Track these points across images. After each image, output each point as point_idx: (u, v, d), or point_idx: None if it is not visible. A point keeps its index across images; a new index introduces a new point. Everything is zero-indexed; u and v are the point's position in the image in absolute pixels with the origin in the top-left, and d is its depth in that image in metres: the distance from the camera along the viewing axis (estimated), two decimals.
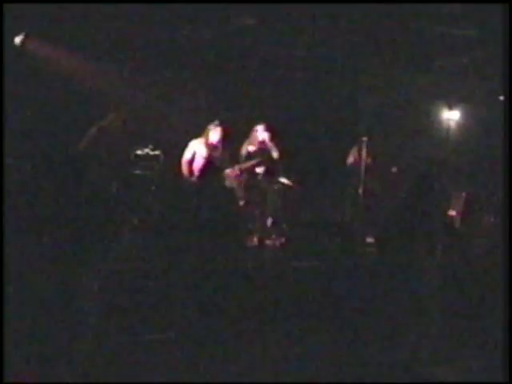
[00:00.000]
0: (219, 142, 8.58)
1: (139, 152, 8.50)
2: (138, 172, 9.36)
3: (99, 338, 5.13)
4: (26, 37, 8.34)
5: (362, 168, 8.89)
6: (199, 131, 8.75)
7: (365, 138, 8.79)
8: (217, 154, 8.60)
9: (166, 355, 5.57)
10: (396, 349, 5.93)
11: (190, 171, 8.59)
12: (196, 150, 8.59)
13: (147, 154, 7.99)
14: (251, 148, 8.84)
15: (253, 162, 8.69)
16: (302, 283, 7.05)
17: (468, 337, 6.64)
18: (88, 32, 8.92)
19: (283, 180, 8.70)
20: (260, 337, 6.39)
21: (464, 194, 9.94)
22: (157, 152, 8.37)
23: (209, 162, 8.60)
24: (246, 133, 9.04)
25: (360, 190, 8.92)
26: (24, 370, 4.78)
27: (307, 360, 5.74)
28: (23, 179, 7.53)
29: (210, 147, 8.57)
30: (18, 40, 8.36)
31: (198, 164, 8.61)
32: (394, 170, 9.31)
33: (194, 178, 8.58)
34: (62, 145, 8.05)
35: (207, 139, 8.58)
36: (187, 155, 8.57)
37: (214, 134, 8.56)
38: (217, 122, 8.52)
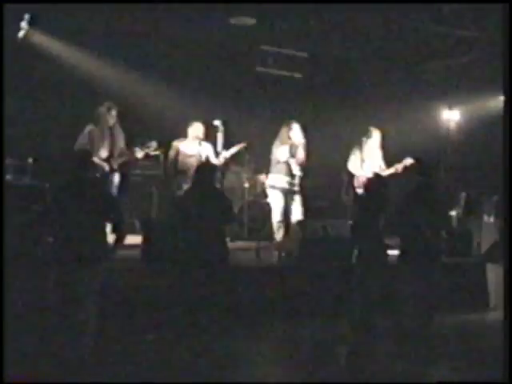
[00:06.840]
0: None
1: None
2: (138, 172, 9.38)
3: (99, 338, 5.12)
4: (30, 26, 8.24)
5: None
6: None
7: (364, 139, 8.76)
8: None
9: (165, 355, 5.57)
10: (396, 348, 5.96)
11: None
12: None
13: (147, 154, 7.92)
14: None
15: None
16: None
17: (468, 337, 6.66)
18: (90, 27, 8.90)
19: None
20: (259, 337, 6.41)
21: (464, 194, 9.92)
22: (157, 152, 8.31)
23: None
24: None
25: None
26: (24, 370, 4.78)
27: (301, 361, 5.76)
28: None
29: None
30: (21, 34, 8.30)
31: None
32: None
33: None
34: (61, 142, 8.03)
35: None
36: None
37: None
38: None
